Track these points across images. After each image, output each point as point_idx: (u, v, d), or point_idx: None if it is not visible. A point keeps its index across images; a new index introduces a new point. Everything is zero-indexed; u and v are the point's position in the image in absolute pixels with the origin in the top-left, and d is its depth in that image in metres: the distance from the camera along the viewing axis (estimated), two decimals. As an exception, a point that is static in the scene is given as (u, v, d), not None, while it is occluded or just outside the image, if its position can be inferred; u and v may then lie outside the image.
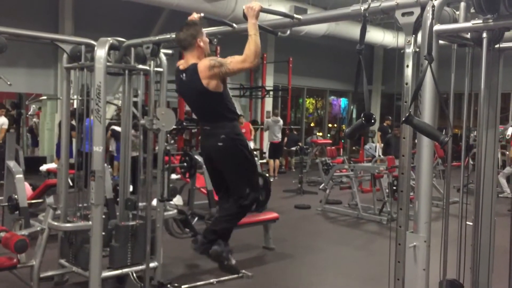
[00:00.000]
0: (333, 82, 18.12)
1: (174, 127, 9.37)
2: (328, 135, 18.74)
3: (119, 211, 4.44)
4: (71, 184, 4.81)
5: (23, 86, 11.56)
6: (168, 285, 4.27)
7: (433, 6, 2.34)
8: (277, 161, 12.83)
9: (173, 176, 7.68)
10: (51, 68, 11.68)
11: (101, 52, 3.81)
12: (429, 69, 2.28)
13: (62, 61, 4.48)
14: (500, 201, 7.70)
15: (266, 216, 6.11)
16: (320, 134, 18.13)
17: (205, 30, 3.31)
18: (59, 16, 11.64)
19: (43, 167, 8.80)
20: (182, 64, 3.27)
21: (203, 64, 3.11)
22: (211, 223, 3.51)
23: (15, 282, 4.27)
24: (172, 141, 11.74)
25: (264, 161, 12.51)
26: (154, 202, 4.19)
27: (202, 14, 3.29)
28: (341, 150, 16.49)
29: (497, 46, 2.73)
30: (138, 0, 10.17)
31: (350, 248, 6.44)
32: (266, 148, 13.55)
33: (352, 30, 12.98)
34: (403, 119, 2.31)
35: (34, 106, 14.27)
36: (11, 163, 5.79)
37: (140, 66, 4.18)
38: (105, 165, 4.10)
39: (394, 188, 7.18)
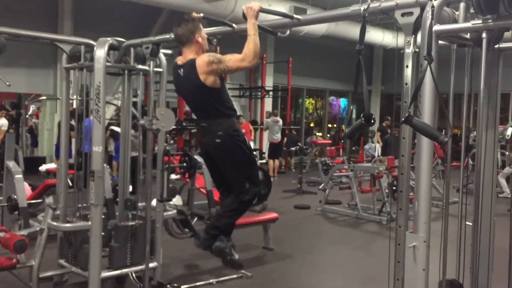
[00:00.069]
0: (332, 82, 18.14)
1: (174, 127, 9.37)
2: (328, 135, 18.75)
3: (118, 211, 4.44)
4: (70, 184, 4.81)
5: (22, 86, 11.57)
6: (168, 285, 4.26)
7: (433, 6, 2.34)
8: (277, 161, 12.83)
9: (173, 176, 7.68)
10: (50, 68, 11.68)
11: (100, 52, 3.81)
12: (428, 69, 2.28)
13: (62, 61, 4.48)
14: (500, 201, 7.70)
15: (265, 216, 6.11)
16: (320, 134, 18.14)
17: (204, 30, 3.31)
18: (59, 16, 11.64)
19: (43, 167, 8.81)
20: (180, 60, 3.27)
21: (202, 60, 3.11)
22: (213, 219, 3.51)
23: (15, 282, 4.27)
24: (172, 141, 11.73)
25: (264, 161, 12.51)
26: (154, 202, 4.18)
27: (201, 15, 3.28)
28: (341, 150, 16.50)
29: (496, 46, 2.74)
30: (137, 0, 10.17)
31: (349, 248, 6.44)
32: (265, 148, 13.55)
33: (351, 30, 12.99)
34: (403, 119, 2.31)
35: (33, 106, 14.27)
36: (11, 163, 5.79)
37: (140, 66, 4.18)
38: (105, 165, 4.10)
39: (394, 188, 7.17)
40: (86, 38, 4.30)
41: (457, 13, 2.61)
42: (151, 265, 4.16)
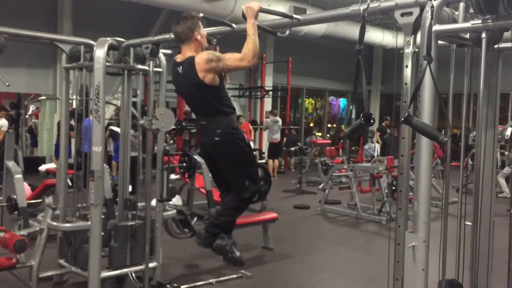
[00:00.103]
0: (332, 82, 18.13)
1: (173, 127, 9.37)
2: (327, 135, 18.74)
3: (118, 211, 4.44)
4: (70, 184, 4.81)
5: (22, 86, 11.56)
6: (167, 285, 4.26)
7: (432, 6, 2.34)
8: (276, 161, 12.84)
9: (172, 176, 7.68)
10: (50, 68, 11.68)
11: (100, 52, 3.81)
12: (428, 69, 2.28)
13: (61, 61, 4.48)
14: (499, 201, 7.67)
15: (265, 216, 6.11)
16: (319, 134, 18.15)
17: (204, 30, 3.31)
18: (58, 16, 11.64)
19: (42, 167, 8.80)
20: (179, 57, 3.26)
21: (201, 57, 3.10)
22: (214, 217, 3.52)
23: (14, 282, 4.27)
24: (171, 141, 11.73)
25: (263, 161, 12.51)
26: (153, 202, 4.18)
27: (201, 15, 3.28)
28: (340, 150, 16.51)
29: (496, 46, 2.73)
30: (137, 0, 10.17)
31: (349, 248, 6.44)
32: (265, 148, 13.55)
33: (351, 30, 12.98)
34: (402, 119, 2.31)
35: (33, 106, 14.27)
36: (10, 163, 5.78)
37: (139, 66, 4.18)
38: (104, 165, 4.10)
39: (393, 188, 7.17)
40: (86, 38, 4.30)
41: (456, 13, 2.61)
42: (150, 265, 4.16)
